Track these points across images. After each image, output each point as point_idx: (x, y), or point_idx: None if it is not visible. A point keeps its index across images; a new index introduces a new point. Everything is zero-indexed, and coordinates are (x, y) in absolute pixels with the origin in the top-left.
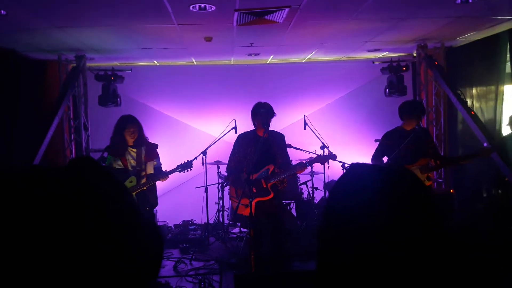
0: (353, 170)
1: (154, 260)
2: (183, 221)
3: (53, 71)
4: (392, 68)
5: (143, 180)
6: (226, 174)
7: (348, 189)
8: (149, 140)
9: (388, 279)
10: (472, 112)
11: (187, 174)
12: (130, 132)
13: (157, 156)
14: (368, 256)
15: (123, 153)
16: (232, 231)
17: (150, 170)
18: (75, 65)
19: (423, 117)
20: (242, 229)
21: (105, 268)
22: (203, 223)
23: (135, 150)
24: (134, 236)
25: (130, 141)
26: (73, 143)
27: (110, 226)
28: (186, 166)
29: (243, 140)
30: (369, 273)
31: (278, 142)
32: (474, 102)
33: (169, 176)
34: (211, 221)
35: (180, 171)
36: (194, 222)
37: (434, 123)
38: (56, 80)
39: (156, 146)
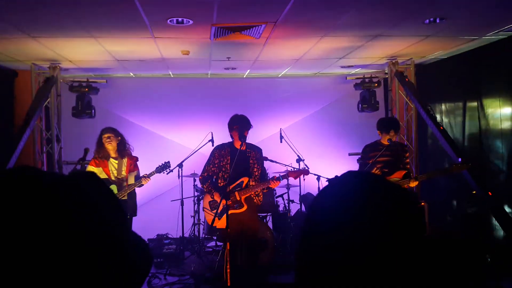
0: (332, 183)
1: (140, 277)
2: (158, 235)
3: (25, 81)
4: (364, 84)
5: (124, 189)
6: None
7: (328, 200)
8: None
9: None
10: (441, 128)
11: (162, 187)
12: (105, 138)
13: (137, 168)
14: (351, 266)
15: (106, 164)
16: (207, 245)
17: (131, 180)
18: (48, 75)
19: (397, 132)
20: (218, 243)
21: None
22: (178, 237)
23: (116, 161)
24: (122, 251)
25: (112, 151)
26: (45, 155)
27: (100, 240)
28: (164, 167)
29: (219, 151)
30: (352, 284)
31: (255, 155)
32: (443, 117)
33: (150, 178)
34: (186, 235)
35: (159, 172)
36: (169, 236)
37: (405, 138)
38: (28, 90)
39: (137, 159)
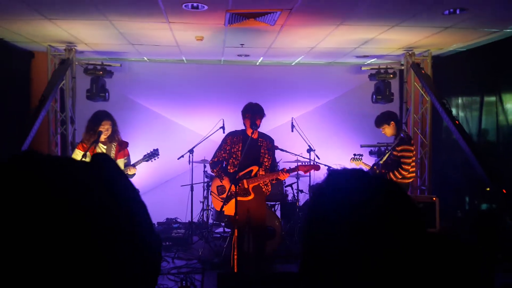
0: (332, 175)
1: (154, 271)
2: (167, 219)
3: (41, 62)
4: (380, 74)
5: None
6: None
7: (328, 192)
8: (131, 137)
9: (372, 280)
10: (457, 122)
11: (173, 171)
12: (104, 129)
13: (127, 154)
14: (351, 257)
15: (92, 149)
16: (216, 231)
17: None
18: (64, 57)
19: (380, 126)
20: (226, 229)
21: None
22: (187, 221)
23: (105, 146)
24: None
25: (103, 137)
26: (59, 136)
27: (130, 229)
28: (152, 154)
29: (232, 138)
30: (354, 275)
31: (266, 145)
32: (459, 111)
33: (136, 167)
34: (195, 220)
35: (147, 161)
36: (178, 220)
37: (419, 131)
38: (44, 71)
39: (127, 144)
